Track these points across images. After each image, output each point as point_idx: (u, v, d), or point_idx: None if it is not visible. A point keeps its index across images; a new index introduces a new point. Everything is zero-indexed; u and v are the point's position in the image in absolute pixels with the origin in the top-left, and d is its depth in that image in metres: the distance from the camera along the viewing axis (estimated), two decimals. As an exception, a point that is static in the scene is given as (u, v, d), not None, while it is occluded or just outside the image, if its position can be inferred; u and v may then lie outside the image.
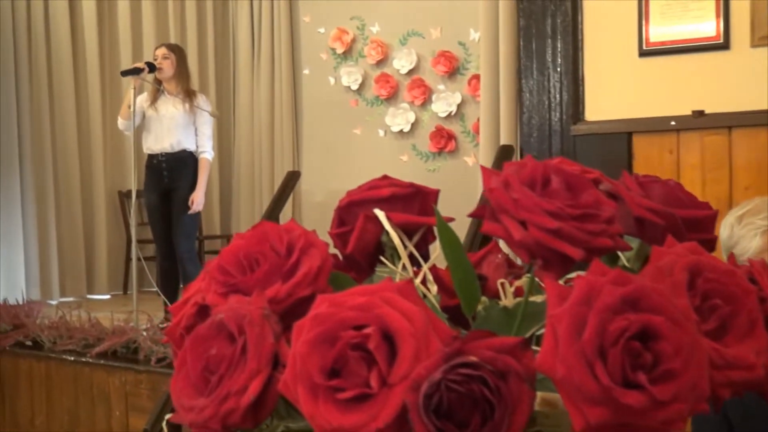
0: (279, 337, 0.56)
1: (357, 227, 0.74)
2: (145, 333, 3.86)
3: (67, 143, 6.61)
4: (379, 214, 0.73)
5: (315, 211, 7.06)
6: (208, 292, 0.64)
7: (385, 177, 0.78)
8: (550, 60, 3.20)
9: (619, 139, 3.37)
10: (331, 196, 7.03)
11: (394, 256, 0.73)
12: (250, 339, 0.55)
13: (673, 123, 3.39)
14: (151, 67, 4.81)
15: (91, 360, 3.81)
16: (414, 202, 0.76)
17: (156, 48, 5.07)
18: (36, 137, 6.39)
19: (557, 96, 3.22)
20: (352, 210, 0.76)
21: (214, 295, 0.63)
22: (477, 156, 6.31)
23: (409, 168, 6.69)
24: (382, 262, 0.74)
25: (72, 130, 6.61)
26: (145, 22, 7.07)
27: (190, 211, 4.72)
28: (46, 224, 6.41)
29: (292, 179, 3.65)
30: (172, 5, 7.17)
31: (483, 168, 0.56)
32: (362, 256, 0.74)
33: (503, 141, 3.95)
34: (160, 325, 4.03)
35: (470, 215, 0.61)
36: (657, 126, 3.38)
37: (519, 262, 0.67)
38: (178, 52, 4.95)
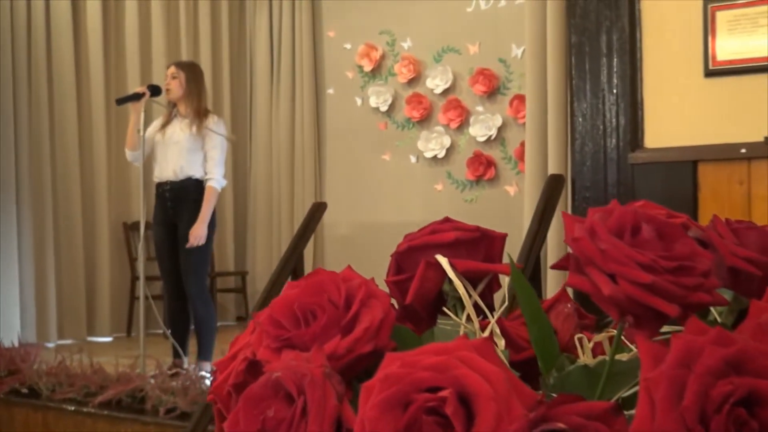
0: (342, 399, 0.57)
1: (418, 275, 0.74)
2: (153, 380, 3.83)
3: (69, 170, 6.72)
4: (442, 260, 0.74)
5: (338, 245, 7.09)
6: (259, 346, 0.65)
7: (447, 220, 0.79)
8: (605, 80, 3.20)
9: (683, 169, 3.36)
10: (357, 229, 7.07)
11: (457, 307, 0.74)
12: (311, 400, 0.56)
13: (743, 150, 3.36)
14: (155, 90, 4.85)
15: (93, 410, 3.79)
16: (479, 248, 0.76)
17: (167, 67, 5.15)
18: (34, 163, 6.51)
19: (613, 120, 3.21)
20: (411, 256, 0.77)
21: (266, 350, 0.64)
22: (519, 185, 6.31)
23: (444, 198, 6.73)
24: (442, 313, 0.75)
25: (74, 155, 6.73)
26: (154, 38, 7.20)
27: (188, 245, 4.69)
28: (44, 258, 6.50)
29: (317, 212, 3.62)
30: (184, 19, 7.30)
31: (565, 215, 0.57)
32: (422, 306, 0.74)
33: (552, 169, 3.94)
34: (169, 372, 4.03)
35: (553, 267, 0.61)
36: (725, 154, 3.37)
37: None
38: (187, 69, 4.98)
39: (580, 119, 3.20)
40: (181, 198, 4.84)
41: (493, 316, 0.74)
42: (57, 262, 6.60)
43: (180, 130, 4.88)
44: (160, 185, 4.93)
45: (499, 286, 0.79)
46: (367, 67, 7.13)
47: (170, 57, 7.06)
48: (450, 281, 0.74)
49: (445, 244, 0.75)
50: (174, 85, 4.91)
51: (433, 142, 6.76)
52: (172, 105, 4.98)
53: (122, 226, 7.02)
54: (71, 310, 6.66)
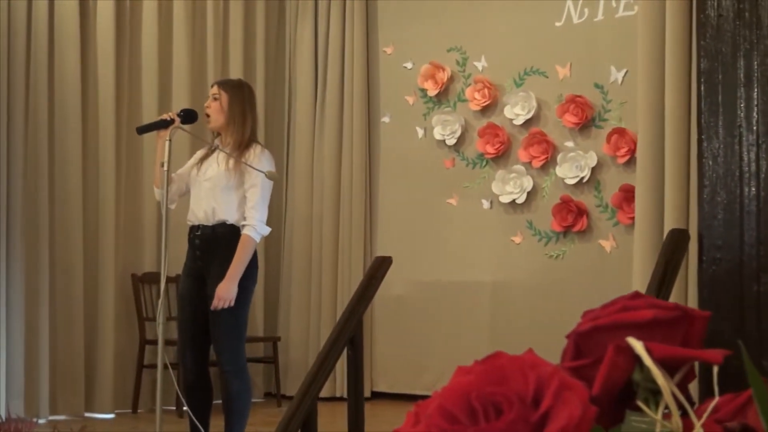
0: None
1: (606, 361, 0.75)
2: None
3: (69, 209, 6.79)
4: (636, 344, 0.75)
5: (391, 308, 7.10)
6: (429, 443, 0.66)
7: (637, 294, 0.80)
8: (742, 115, 3.18)
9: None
10: (414, 288, 7.10)
11: (650, 401, 0.75)
12: None
13: None
14: (188, 116, 4.88)
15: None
16: (677, 329, 0.77)
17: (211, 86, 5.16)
18: (28, 201, 6.60)
19: (752, 164, 3.18)
20: (596, 337, 0.78)
21: (439, 449, 0.65)
22: (617, 239, 6.28)
23: (523, 253, 6.73)
24: (630, 407, 0.76)
25: (75, 192, 6.81)
26: (176, 51, 7.29)
27: (212, 306, 4.71)
28: (36, 315, 6.56)
29: (381, 268, 3.63)
30: (212, 34, 7.39)
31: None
32: (608, 399, 0.75)
33: (670, 223, 3.90)
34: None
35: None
36: None
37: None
38: (232, 90, 4.97)
39: (711, 162, 3.19)
40: (211, 246, 4.85)
41: (693, 411, 0.75)
42: (51, 319, 6.64)
43: (216, 164, 4.93)
44: (191, 230, 4.96)
45: (695, 375, 0.80)
46: (432, 91, 7.15)
47: (193, 78, 7.17)
48: (642, 369, 0.75)
49: (639, 324, 0.77)
50: (214, 108, 4.93)
51: (511, 184, 6.77)
52: (216, 134, 5.04)
53: (131, 279, 7.07)
54: (67, 379, 6.67)
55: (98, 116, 6.96)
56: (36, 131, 6.66)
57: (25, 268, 6.54)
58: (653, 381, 0.73)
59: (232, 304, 4.71)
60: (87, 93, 6.92)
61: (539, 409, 0.67)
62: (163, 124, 4.83)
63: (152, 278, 6.95)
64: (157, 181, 4.92)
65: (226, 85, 5.03)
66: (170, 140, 4.60)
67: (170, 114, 4.88)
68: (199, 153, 5.10)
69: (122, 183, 7.04)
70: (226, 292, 4.69)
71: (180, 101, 6.93)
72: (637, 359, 0.74)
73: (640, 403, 0.74)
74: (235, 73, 7.36)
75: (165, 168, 4.61)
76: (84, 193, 6.88)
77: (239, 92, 4.98)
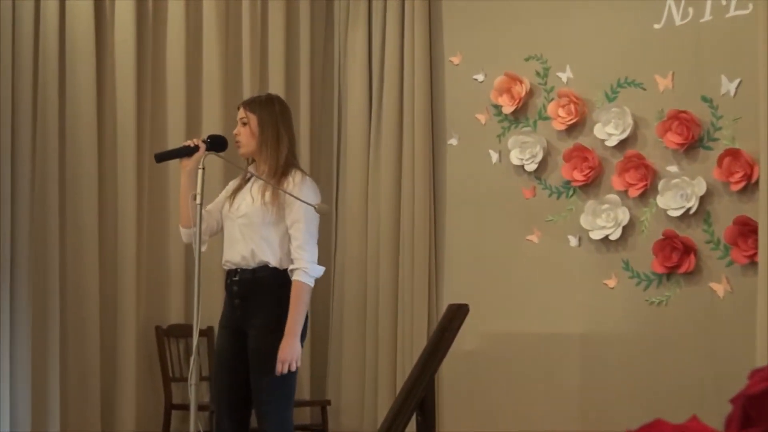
0: None
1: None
2: None
3: (82, 249, 6.80)
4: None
5: (460, 365, 7.02)
6: None
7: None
8: None
9: None
10: (488, 343, 7.05)
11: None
12: None
13: None
14: (217, 143, 4.94)
15: None
16: None
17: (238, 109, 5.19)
18: (36, 239, 6.62)
19: None
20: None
21: None
22: (733, 282, 6.20)
23: (619, 299, 6.65)
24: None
25: (90, 229, 6.82)
26: (206, 63, 7.31)
27: (277, 371, 4.75)
28: (44, 373, 6.57)
29: (456, 319, 3.63)
30: (248, 43, 7.39)
31: None
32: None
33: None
34: None
35: None
36: None
37: None
38: (260, 109, 5.04)
39: None
40: (252, 294, 4.89)
41: None
42: (63, 380, 6.67)
43: (250, 196, 4.95)
44: (228, 275, 5.00)
45: None
46: (508, 108, 7.09)
47: (227, 88, 7.20)
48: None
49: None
50: (244, 135, 5.00)
51: (604, 218, 6.69)
52: (250, 160, 5.07)
53: (155, 332, 7.07)
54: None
55: (116, 140, 7.02)
56: (44, 156, 6.74)
57: (31, 319, 6.57)
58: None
59: (299, 364, 4.77)
60: (103, 110, 6.99)
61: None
62: (187, 152, 4.91)
63: (180, 331, 6.98)
64: (183, 218, 4.97)
65: (253, 105, 5.10)
66: (203, 168, 4.61)
67: (195, 141, 4.94)
68: (232, 184, 5.15)
69: (144, 220, 7.06)
70: (289, 353, 4.75)
71: (211, 124, 7.03)
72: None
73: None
74: (276, 88, 7.33)
75: (198, 202, 4.61)
76: (100, 231, 6.90)
77: (270, 110, 5.04)
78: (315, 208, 4.86)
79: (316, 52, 7.75)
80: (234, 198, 5.01)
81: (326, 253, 7.45)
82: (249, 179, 5.02)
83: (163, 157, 5.05)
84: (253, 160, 5.04)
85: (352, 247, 7.56)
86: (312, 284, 4.88)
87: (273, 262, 4.88)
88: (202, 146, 4.89)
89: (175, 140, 6.70)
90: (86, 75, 6.92)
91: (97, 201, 6.89)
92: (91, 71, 6.94)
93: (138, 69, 7.11)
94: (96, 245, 6.86)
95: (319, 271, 4.96)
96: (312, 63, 7.69)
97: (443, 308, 6.67)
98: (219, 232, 5.05)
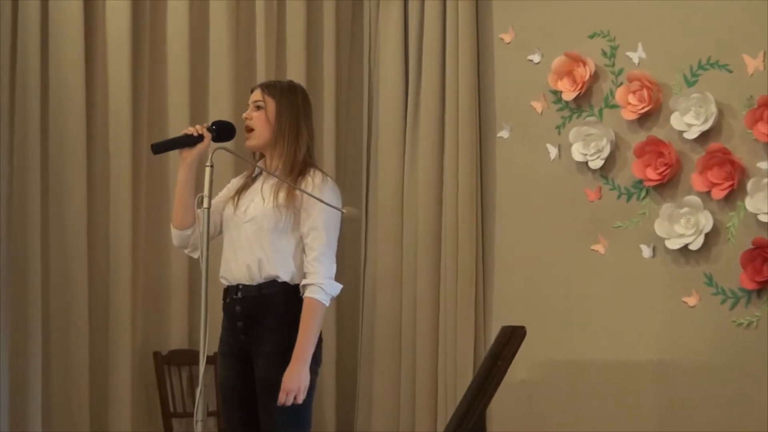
0: None
1: None
2: None
3: (69, 262, 6.80)
4: None
5: (515, 397, 7.00)
6: None
7: None
8: None
9: None
10: (545, 370, 7.04)
11: None
12: None
13: None
14: (223, 130, 4.94)
15: None
16: None
17: (251, 91, 5.13)
18: (16, 251, 6.63)
19: None
20: None
21: None
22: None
23: (700, 319, 6.63)
24: None
25: (77, 239, 6.82)
26: (213, 36, 7.28)
27: (278, 402, 4.72)
28: (25, 412, 6.57)
29: (511, 343, 3.78)
30: (263, 22, 7.37)
31: None
32: None
33: None
34: None
35: None
36: None
37: None
38: (281, 95, 5.03)
39: None
40: (259, 315, 4.87)
41: None
42: (45, 413, 6.65)
43: (261, 197, 4.93)
44: (227, 293, 4.96)
45: None
46: (569, 94, 7.06)
47: (239, 75, 7.19)
48: None
49: None
50: (257, 120, 4.97)
51: (682, 223, 6.65)
52: (258, 155, 5.05)
53: (153, 359, 7.05)
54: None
55: (108, 132, 7.02)
56: (24, 153, 6.72)
57: (9, 343, 6.56)
58: None
59: (305, 395, 4.73)
60: (93, 100, 6.97)
61: None
62: (188, 141, 4.88)
63: (183, 358, 7.01)
64: (177, 217, 4.95)
65: (272, 89, 5.08)
66: (212, 165, 4.52)
67: (198, 128, 4.92)
68: (235, 181, 5.13)
69: (141, 227, 7.06)
70: (296, 381, 4.72)
71: (218, 114, 7.02)
72: None
73: None
74: (294, 74, 7.35)
75: (205, 206, 4.52)
76: (89, 241, 6.90)
77: (291, 98, 5.04)
78: (343, 212, 4.85)
79: (343, 31, 7.72)
80: (239, 198, 5.00)
81: (354, 267, 7.56)
82: (257, 177, 5.03)
83: (160, 147, 4.96)
84: (262, 156, 5.05)
85: (384, 259, 7.54)
86: (327, 304, 4.86)
87: (284, 277, 4.87)
88: (207, 136, 4.88)
89: (177, 132, 6.60)
90: (73, 57, 6.92)
91: (85, 207, 6.90)
92: (78, 52, 6.93)
93: (133, 47, 7.10)
94: (84, 257, 6.86)
95: (337, 288, 4.91)
96: (337, 44, 7.65)
97: (493, 331, 6.91)
98: (216, 237, 4.98)
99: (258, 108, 4.98)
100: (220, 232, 5.04)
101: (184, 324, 7.08)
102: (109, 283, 6.94)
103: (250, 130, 4.96)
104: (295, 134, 4.95)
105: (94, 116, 7.01)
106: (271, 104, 4.97)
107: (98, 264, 6.95)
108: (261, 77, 7.20)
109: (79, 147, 6.89)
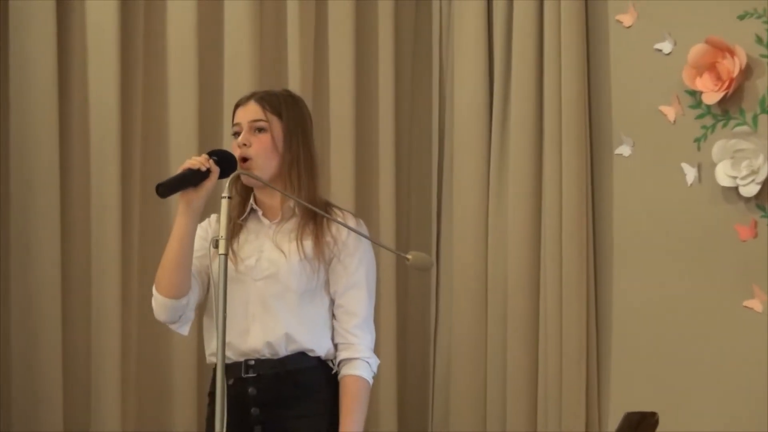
0: None
1: None
2: None
3: (42, 331, 6.39)
4: None
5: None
6: None
7: None
8: None
9: None
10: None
11: None
12: None
13: None
14: (225, 162, 4.65)
15: None
16: None
17: (236, 107, 4.83)
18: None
19: None
20: None
21: None
22: None
23: None
24: None
25: (51, 304, 6.36)
26: (230, 27, 6.72)
27: None
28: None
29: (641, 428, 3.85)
30: (297, 11, 6.77)
31: None
32: None
33: None
34: None
35: None
36: None
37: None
38: (286, 111, 4.80)
39: None
40: (288, 398, 4.70)
41: None
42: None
43: (274, 248, 4.73)
44: (230, 372, 4.58)
45: None
46: (712, 96, 6.26)
47: (261, 72, 6.60)
48: None
49: None
50: (260, 147, 4.73)
51: None
52: (245, 191, 4.83)
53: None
54: None
55: (89, 143, 6.61)
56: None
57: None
58: None
59: None
60: (68, 105, 6.53)
61: None
62: (195, 178, 4.62)
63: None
64: (165, 281, 4.68)
65: (275, 102, 4.88)
66: (230, 197, 4.27)
67: (204, 162, 4.64)
68: (205, 227, 4.94)
69: (132, 287, 6.51)
70: None
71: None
72: None
73: None
74: (341, 76, 6.86)
75: (222, 252, 4.22)
76: (64, 305, 6.46)
77: (298, 114, 4.90)
78: (407, 260, 4.52)
79: (404, 19, 7.06)
80: (238, 248, 4.74)
81: (423, 324, 7.20)
82: (245, 218, 4.83)
83: (168, 187, 4.66)
84: (251, 194, 4.84)
85: (462, 320, 6.77)
86: (371, 381, 4.83)
87: (319, 351, 4.73)
88: (215, 169, 4.60)
89: (180, 146, 6.50)
90: (44, 54, 6.41)
91: (59, 260, 6.36)
92: (50, 50, 6.39)
93: (122, 40, 6.51)
94: (58, 325, 6.30)
95: (377, 363, 4.87)
96: (396, 36, 6.97)
97: (611, 416, 6.57)
98: (203, 301, 4.84)
99: (259, 130, 4.75)
100: (204, 297, 4.86)
101: (194, 408, 6.59)
102: (90, 364, 6.47)
103: (246, 159, 4.71)
104: (310, 163, 4.82)
105: (68, 122, 6.56)
106: (276, 124, 4.77)
107: (77, 334, 6.47)
108: (294, 77, 6.67)
109: (49, 165, 6.41)
